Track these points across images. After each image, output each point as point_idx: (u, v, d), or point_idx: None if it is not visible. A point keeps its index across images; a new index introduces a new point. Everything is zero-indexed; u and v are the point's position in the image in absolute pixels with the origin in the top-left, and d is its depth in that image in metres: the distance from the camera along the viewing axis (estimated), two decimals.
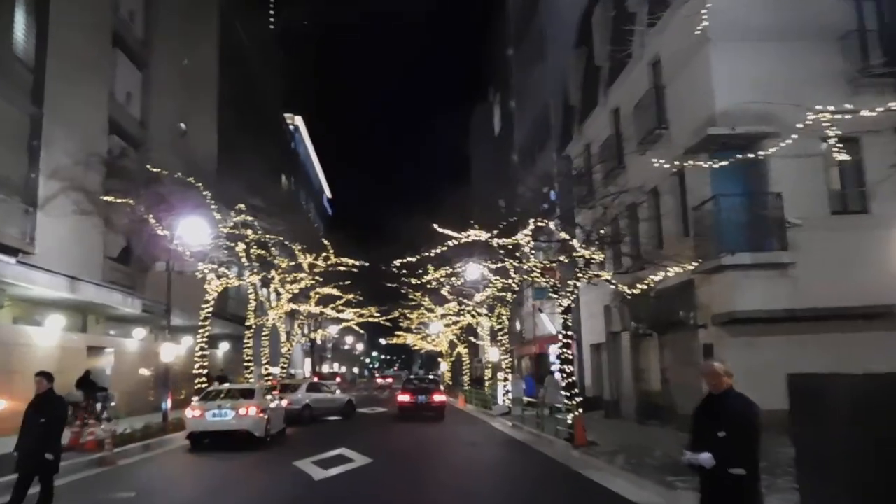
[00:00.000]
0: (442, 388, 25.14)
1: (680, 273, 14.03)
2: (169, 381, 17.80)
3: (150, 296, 23.95)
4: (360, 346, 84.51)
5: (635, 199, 15.63)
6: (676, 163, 12.92)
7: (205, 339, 20.45)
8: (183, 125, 30.20)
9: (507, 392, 23.53)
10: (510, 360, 25.45)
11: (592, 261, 13.90)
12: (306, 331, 40.78)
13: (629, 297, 13.88)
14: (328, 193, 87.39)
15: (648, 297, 16.67)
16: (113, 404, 18.17)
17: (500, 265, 16.22)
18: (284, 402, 19.40)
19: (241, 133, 35.31)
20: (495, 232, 14.85)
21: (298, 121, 64.12)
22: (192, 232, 17.77)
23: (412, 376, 40.57)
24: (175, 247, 18.11)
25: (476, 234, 14.24)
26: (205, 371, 20.06)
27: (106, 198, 18.75)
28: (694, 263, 13.21)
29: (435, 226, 13.55)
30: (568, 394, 14.34)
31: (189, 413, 14.71)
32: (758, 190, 13.57)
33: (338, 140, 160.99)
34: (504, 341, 24.77)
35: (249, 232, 21.99)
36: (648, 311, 16.83)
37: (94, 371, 18.86)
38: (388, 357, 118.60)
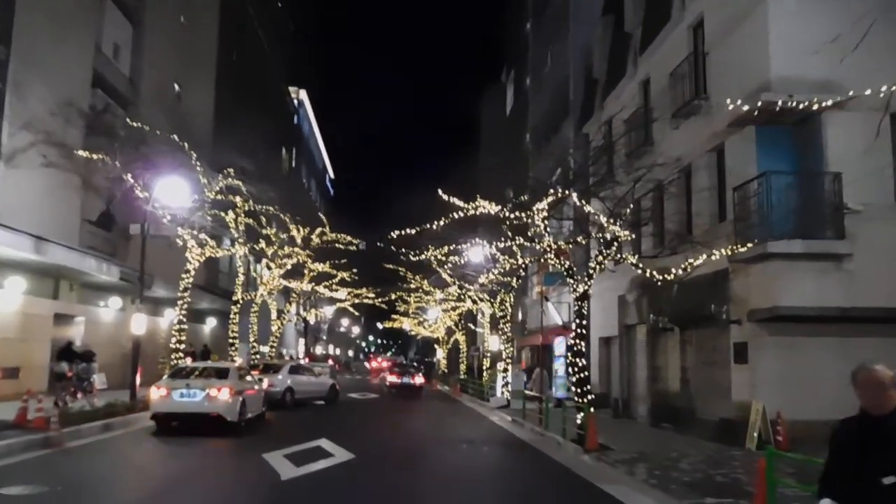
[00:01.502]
0: (422, 373, 32.38)
1: (712, 262, 12.36)
2: (139, 356, 16.17)
3: (133, 264, 22.38)
4: (356, 329, 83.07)
5: (668, 175, 13.87)
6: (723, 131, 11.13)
7: (184, 312, 18.88)
8: (178, 86, 28.43)
9: (507, 384, 21.95)
10: (511, 349, 23.83)
11: (617, 240, 12.21)
12: (299, 310, 39.27)
13: (659, 282, 12.19)
14: (331, 174, 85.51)
15: (671, 287, 15.01)
16: (95, 377, 16.79)
17: (508, 244, 14.51)
18: (265, 384, 17.84)
19: (240, 102, 33.57)
20: (508, 206, 13.18)
21: (303, 95, 62.00)
22: (171, 192, 16.10)
23: (404, 362, 47.03)
24: (152, 208, 16.47)
25: (484, 207, 12.54)
26: (182, 346, 18.52)
27: (81, 153, 17.02)
28: (737, 249, 11.48)
29: (439, 191, 11.88)
30: (579, 390, 12.73)
31: (154, 392, 13.13)
32: (812, 170, 11.84)
33: (345, 119, 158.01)
34: (506, 329, 23.15)
35: (238, 199, 20.38)
36: (671, 302, 15.15)
37: (57, 341, 17.34)
38: (385, 342, 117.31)
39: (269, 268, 26.58)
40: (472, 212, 12.64)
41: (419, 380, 29.10)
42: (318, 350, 52.47)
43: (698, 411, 14.18)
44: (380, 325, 70.78)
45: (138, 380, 15.89)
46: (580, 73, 24.34)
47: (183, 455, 10.76)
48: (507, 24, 40.79)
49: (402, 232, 13.09)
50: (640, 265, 12.49)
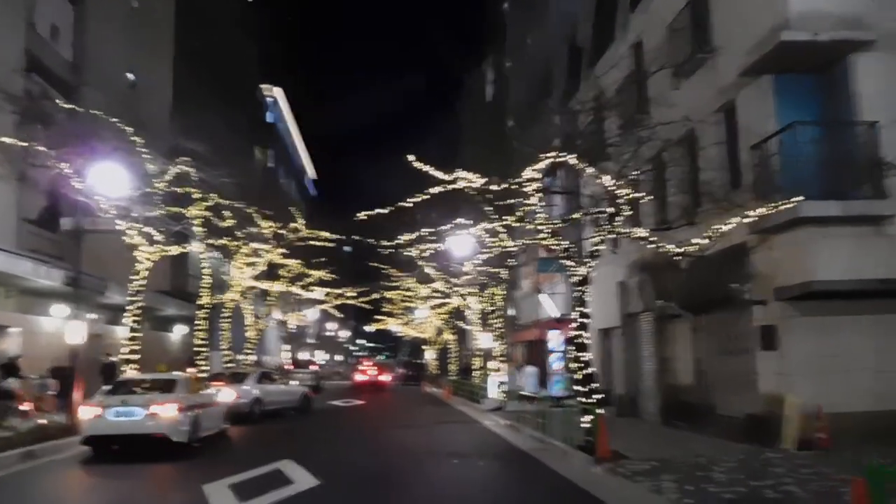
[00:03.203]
0: (388, 370, 40.56)
1: (726, 236, 10.67)
2: (75, 370, 14.19)
3: (87, 268, 20.33)
4: (344, 333, 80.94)
5: (670, 141, 12.15)
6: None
7: (136, 319, 16.87)
8: (131, 76, 26.33)
9: (502, 384, 20.19)
10: (504, 346, 22.07)
11: (621, 211, 10.46)
12: (277, 313, 37.25)
13: (678, 257, 10.44)
14: (312, 174, 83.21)
15: (678, 268, 13.34)
16: (51, 392, 14.91)
17: (494, 226, 12.72)
18: (231, 396, 15.93)
19: (204, 95, 31.43)
20: (495, 180, 11.40)
21: (277, 93, 59.78)
22: (108, 180, 14.06)
23: (397, 366, 49.72)
24: (85, 199, 14.49)
25: (467, 180, 10.74)
26: (135, 357, 16.52)
27: (5, 139, 14.87)
28: (766, 211, 9.74)
29: (410, 158, 10.02)
30: (584, 388, 10.97)
31: (84, 411, 11.19)
32: (842, 120, 10.19)
33: (323, 117, 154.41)
34: (497, 325, 21.39)
35: (194, 191, 18.38)
36: (679, 285, 13.48)
37: None
38: (376, 345, 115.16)
39: (239, 268, 24.57)
40: (452, 186, 10.83)
41: (383, 377, 37.11)
42: (303, 356, 50.38)
43: (717, 407, 12.50)
44: (368, 329, 68.86)
45: (78, 397, 13.87)
46: (562, 45, 22.64)
47: (100, 490, 8.90)
48: (483, 7, 39.07)
49: (372, 212, 11.22)
50: (653, 238, 10.73)
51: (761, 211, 9.71)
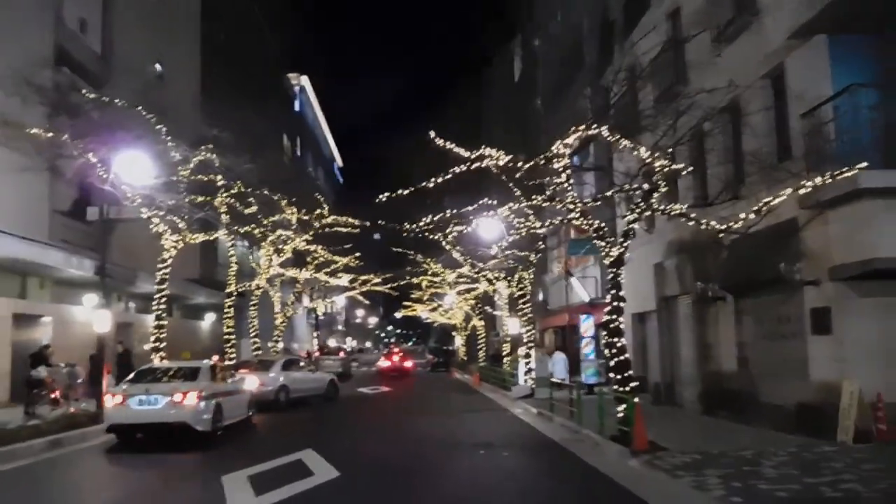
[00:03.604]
0: (412, 357, 39.06)
1: (773, 212, 9.86)
2: (103, 358, 14.12)
3: (116, 258, 20.41)
4: (373, 320, 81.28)
5: (711, 110, 11.32)
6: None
7: (161, 307, 16.81)
8: (158, 66, 26.29)
9: (530, 370, 19.63)
10: (533, 332, 21.46)
11: (658, 188, 9.75)
12: (305, 300, 37.28)
13: (721, 234, 9.68)
14: (339, 162, 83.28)
15: (720, 248, 12.55)
16: (80, 381, 14.95)
17: (521, 205, 12.08)
18: (256, 383, 15.74)
19: (231, 85, 31.31)
20: (522, 157, 10.78)
21: (305, 81, 59.64)
22: (132, 169, 13.90)
23: (427, 352, 49.26)
24: (111, 187, 14.36)
25: (492, 157, 10.14)
26: (162, 345, 16.47)
27: (37, 131, 14.80)
28: (825, 180, 8.91)
29: (432, 134, 9.47)
30: (619, 376, 10.35)
31: (109, 400, 11.05)
32: None
33: (350, 103, 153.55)
34: (526, 310, 20.78)
35: (219, 178, 18.18)
36: (721, 266, 12.69)
37: (19, 344, 15.41)
38: (405, 331, 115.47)
39: (266, 256, 24.46)
40: (476, 165, 10.24)
41: (407, 363, 35.72)
42: (333, 343, 50.58)
43: (762, 395, 11.73)
44: (398, 315, 68.98)
45: (105, 386, 13.82)
46: (594, 20, 21.69)
47: (119, 480, 8.68)
48: None
49: (393, 194, 10.71)
50: (693, 215, 9.98)
51: (817, 181, 8.85)
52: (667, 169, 9.29)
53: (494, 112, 38.66)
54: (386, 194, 10.73)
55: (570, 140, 9.33)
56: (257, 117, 29.96)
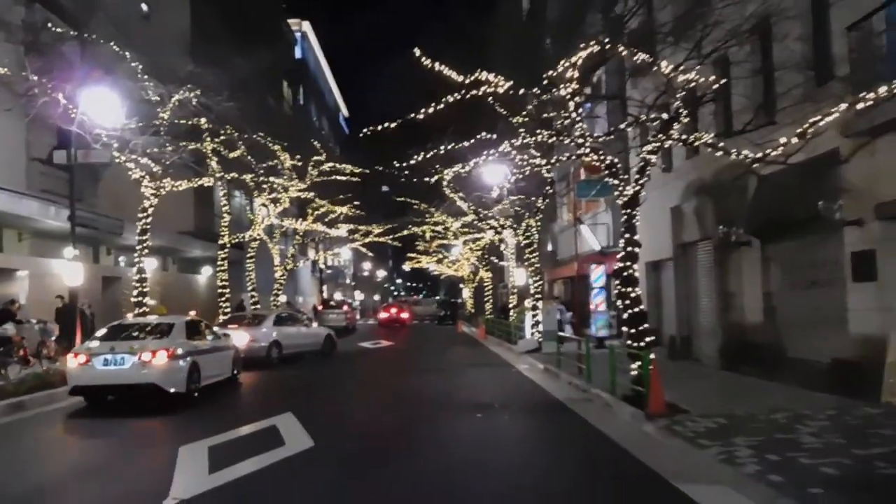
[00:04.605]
0: (408, 309, 41.30)
1: (808, 143, 8.48)
2: (76, 313, 13.24)
3: (101, 208, 19.39)
4: (380, 273, 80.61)
5: (738, 30, 9.79)
6: None
7: (142, 258, 15.86)
8: (144, 6, 24.63)
9: (537, 323, 18.65)
10: (540, 282, 20.38)
11: (679, 117, 8.40)
12: (311, 254, 36.41)
13: (757, 162, 8.34)
14: (345, 112, 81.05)
15: (745, 189, 11.25)
16: (53, 338, 14.09)
17: (527, 139, 10.75)
18: (245, 340, 14.89)
19: (225, 28, 29.47)
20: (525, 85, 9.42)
21: (306, 27, 57.21)
22: (101, 106, 12.63)
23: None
24: (79, 129, 13.17)
25: (490, 83, 8.79)
26: (144, 299, 15.58)
27: (1, 70, 13.48)
28: (866, 103, 7.51)
29: (416, 51, 8.13)
30: (633, 330, 9.26)
31: (71, 360, 10.15)
32: None
33: (354, 49, 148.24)
34: (533, 260, 19.65)
35: (203, 121, 16.90)
36: (747, 207, 11.41)
37: None
38: (414, 284, 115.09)
39: (263, 205, 23.37)
40: (474, 91, 8.92)
41: (404, 315, 38.45)
42: (339, 297, 49.96)
43: (791, 349, 10.64)
44: (406, 268, 68.27)
45: (78, 342, 12.97)
46: None
47: (66, 449, 7.85)
48: None
49: (384, 126, 9.43)
50: (721, 145, 8.63)
51: (867, 98, 7.44)
52: (692, 84, 7.89)
53: (502, 54, 36.57)
54: (370, 128, 9.48)
55: (578, 59, 7.94)
56: (251, 62, 28.37)
